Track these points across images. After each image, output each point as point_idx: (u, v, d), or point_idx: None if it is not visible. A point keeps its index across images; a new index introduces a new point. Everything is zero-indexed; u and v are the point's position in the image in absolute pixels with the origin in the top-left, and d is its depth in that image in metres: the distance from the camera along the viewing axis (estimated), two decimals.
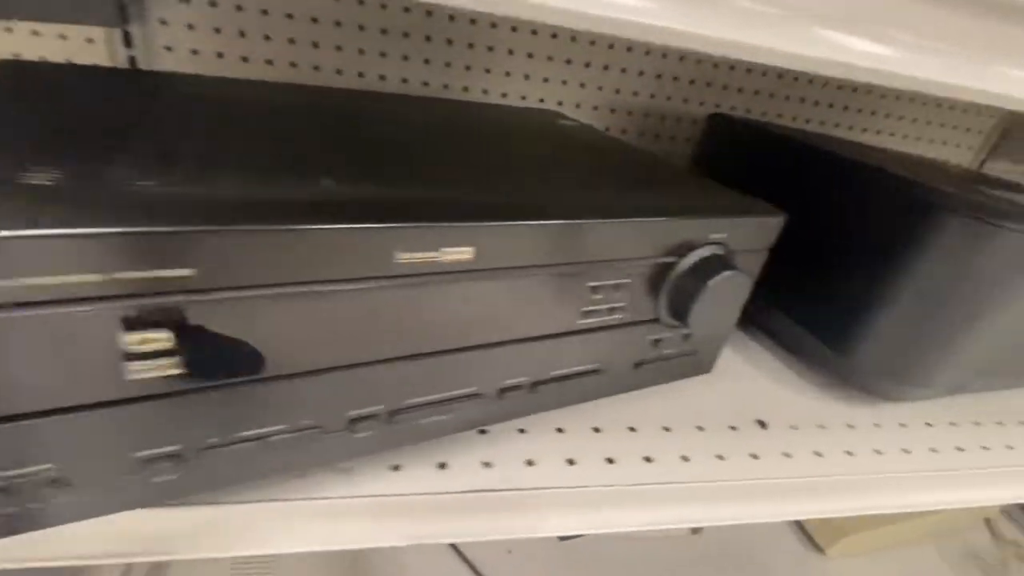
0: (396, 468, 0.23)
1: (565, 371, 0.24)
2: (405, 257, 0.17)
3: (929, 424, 0.36)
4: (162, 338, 0.15)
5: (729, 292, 0.23)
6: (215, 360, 0.16)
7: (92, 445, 0.16)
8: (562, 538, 0.52)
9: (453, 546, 0.53)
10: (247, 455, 0.18)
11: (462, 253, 0.18)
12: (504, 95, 0.51)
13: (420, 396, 0.21)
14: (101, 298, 0.14)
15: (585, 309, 0.22)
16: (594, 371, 0.25)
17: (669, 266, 0.23)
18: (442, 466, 0.24)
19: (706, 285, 0.22)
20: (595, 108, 0.54)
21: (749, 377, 0.35)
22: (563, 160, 0.30)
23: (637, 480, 0.25)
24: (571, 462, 0.26)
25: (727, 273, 0.22)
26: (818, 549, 0.61)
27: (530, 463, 0.25)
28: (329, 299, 0.16)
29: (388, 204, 0.17)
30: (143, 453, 0.16)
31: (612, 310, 0.23)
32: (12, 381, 0.14)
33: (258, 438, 0.18)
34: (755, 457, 0.29)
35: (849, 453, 0.32)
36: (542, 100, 0.52)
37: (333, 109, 0.31)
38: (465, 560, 0.53)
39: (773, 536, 0.62)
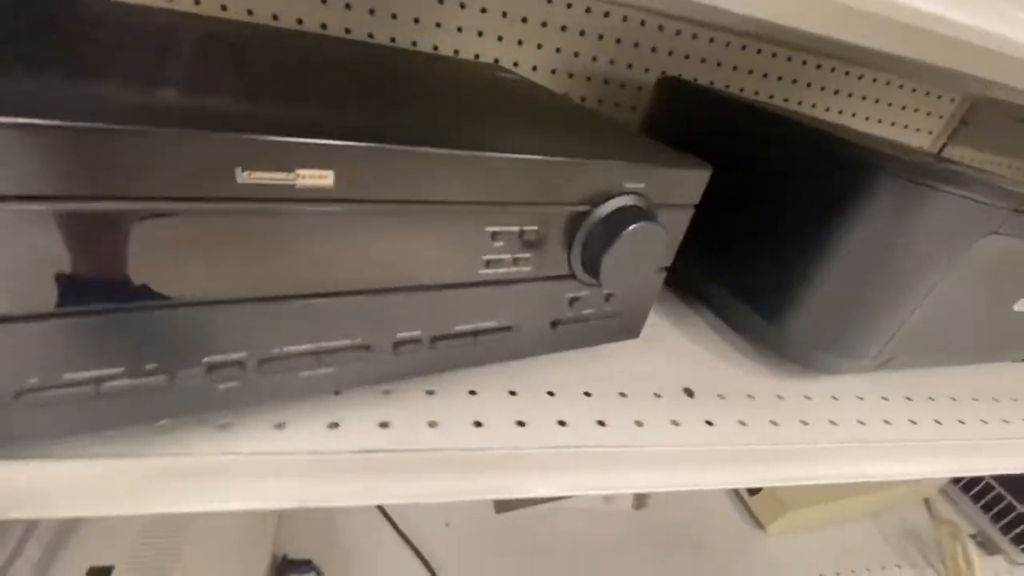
0: (280, 426, 0.22)
1: (470, 327, 0.22)
2: (250, 176, 0.15)
3: (860, 397, 0.36)
4: None
5: (645, 246, 0.22)
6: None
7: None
8: (498, 510, 0.51)
9: (390, 519, 0.52)
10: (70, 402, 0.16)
11: (321, 177, 0.16)
12: (456, 52, 0.48)
13: (293, 345, 0.19)
14: None
15: (486, 258, 0.20)
16: (505, 328, 0.23)
17: (582, 215, 0.21)
18: (334, 425, 0.22)
19: (619, 235, 0.20)
20: (553, 72, 0.52)
21: (681, 346, 0.34)
22: (483, 103, 0.28)
23: (550, 444, 0.24)
24: (478, 424, 0.24)
25: (641, 224, 0.20)
26: (759, 525, 0.62)
27: (432, 424, 0.24)
28: (167, 221, 0.14)
29: (242, 116, 0.15)
30: None
31: (518, 260, 0.21)
32: None
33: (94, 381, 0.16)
34: (676, 424, 0.28)
35: (774, 423, 0.31)
36: (496, 60, 0.49)
37: (255, 44, 0.28)
38: (400, 532, 0.51)
39: (715, 512, 0.63)
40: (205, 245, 0.15)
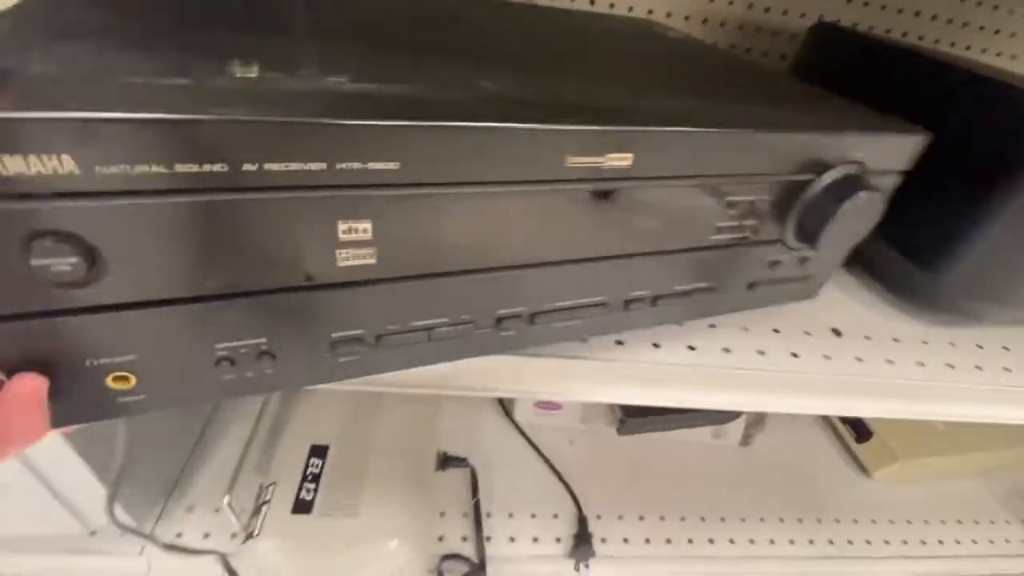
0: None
1: (685, 287, 0.26)
2: (574, 161, 0.19)
3: (1006, 348, 0.37)
4: (364, 228, 0.18)
5: (862, 215, 0.24)
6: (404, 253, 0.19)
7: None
8: (621, 430, 0.57)
9: (520, 430, 0.60)
10: (415, 343, 0.21)
11: (623, 159, 0.20)
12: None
13: (558, 301, 0.23)
14: (322, 187, 0.16)
15: (720, 224, 0.23)
16: (709, 289, 0.26)
17: (803, 184, 0.23)
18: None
19: (841, 207, 0.22)
20: (687, 18, 0.52)
21: (831, 294, 0.37)
22: (682, 71, 0.31)
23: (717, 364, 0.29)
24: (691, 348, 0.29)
25: (863, 194, 0.22)
26: (865, 472, 0.64)
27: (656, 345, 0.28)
28: (503, 200, 0.19)
29: (559, 108, 0.19)
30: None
31: (743, 227, 0.24)
32: (242, 259, 0.17)
33: (426, 329, 0.21)
34: (827, 358, 0.32)
35: (920, 364, 0.34)
36: (631, 9, 0.51)
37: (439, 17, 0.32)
38: (533, 444, 0.59)
39: (820, 456, 0.66)
40: (530, 221, 0.20)
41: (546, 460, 0.58)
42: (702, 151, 0.21)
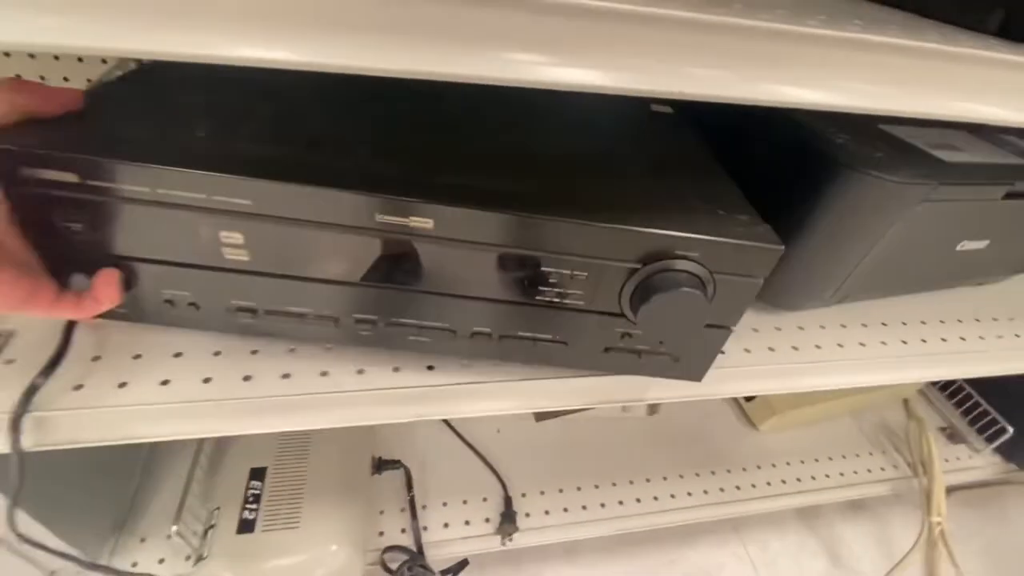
0: (396, 370, 0.33)
1: (528, 334, 0.32)
2: (382, 218, 0.25)
3: (822, 327, 0.46)
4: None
5: (681, 307, 0.28)
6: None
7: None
8: (538, 419, 0.64)
9: (452, 427, 0.66)
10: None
11: (425, 223, 0.26)
12: None
13: (408, 319, 0.30)
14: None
15: (542, 288, 0.29)
16: (559, 342, 0.32)
17: (632, 271, 0.28)
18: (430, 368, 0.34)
19: (651, 297, 0.27)
20: None
21: None
22: (600, 152, 0.35)
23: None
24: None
25: (672, 292, 0.27)
26: (752, 426, 0.74)
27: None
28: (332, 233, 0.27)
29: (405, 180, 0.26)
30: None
31: (567, 295, 0.29)
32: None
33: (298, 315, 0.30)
34: None
35: (771, 349, 0.41)
36: None
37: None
38: (460, 436, 0.66)
39: (716, 416, 0.76)
40: (365, 254, 0.27)
41: (475, 450, 0.65)
42: (502, 229, 0.27)
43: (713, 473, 0.68)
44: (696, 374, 0.34)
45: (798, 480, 0.70)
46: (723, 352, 0.40)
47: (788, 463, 0.72)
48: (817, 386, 0.43)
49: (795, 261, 0.40)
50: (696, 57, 0.19)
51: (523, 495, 0.62)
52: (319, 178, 0.25)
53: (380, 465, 0.59)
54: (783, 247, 0.28)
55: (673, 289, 0.27)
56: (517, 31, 0.17)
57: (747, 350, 0.42)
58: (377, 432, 0.62)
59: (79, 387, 0.31)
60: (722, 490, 0.66)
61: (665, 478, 0.66)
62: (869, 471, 0.74)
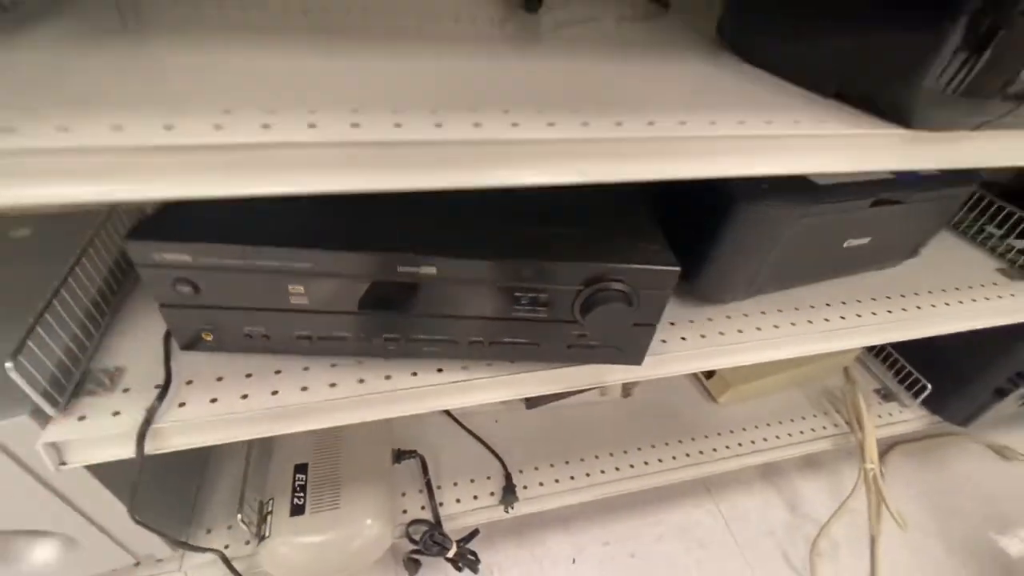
0: (414, 374, 0.44)
1: (510, 340, 0.44)
2: (401, 268, 0.36)
3: (745, 315, 0.58)
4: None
5: (614, 315, 0.40)
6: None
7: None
8: (528, 407, 0.76)
9: (455, 419, 0.78)
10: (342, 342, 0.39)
11: (430, 269, 0.37)
12: None
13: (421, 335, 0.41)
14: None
15: (515, 307, 0.41)
16: (533, 343, 0.44)
17: (579, 291, 0.40)
18: (439, 371, 0.45)
19: (592, 310, 0.39)
20: None
21: None
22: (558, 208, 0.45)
23: None
24: None
25: (603, 306, 0.39)
26: (713, 399, 0.87)
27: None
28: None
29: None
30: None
31: (536, 310, 0.41)
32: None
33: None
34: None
35: (703, 336, 0.53)
36: None
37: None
38: (464, 427, 0.77)
39: (682, 394, 0.88)
40: (397, 294, 0.39)
41: (477, 438, 0.76)
42: (484, 271, 0.38)
43: (680, 442, 0.80)
44: (636, 359, 0.47)
45: (752, 443, 0.82)
46: (664, 341, 0.53)
47: (744, 429, 0.84)
48: (739, 362, 0.55)
49: (717, 269, 0.52)
50: (587, 156, 0.31)
51: (520, 471, 0.73)
52: (356, 245, 0.36)
53: (399, 456, 0.70)
54: (679, 268, 0.40)
55: (607, 302, 0.39)
56: (479, 157, 0.29)
57: (683, 338, 0.54)
58: (394, 428, 0.73)
59: (182, 404, 0.42)
60: (688, 455, 0.79)
61: (639, 448, 0.78)
62: (813, 431, 0.86)
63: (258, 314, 0.40)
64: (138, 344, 0.46)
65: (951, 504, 0.99)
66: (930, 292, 0.67)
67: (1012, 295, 0.69)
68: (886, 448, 1.07)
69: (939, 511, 0.97)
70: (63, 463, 0.40)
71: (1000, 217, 0.74)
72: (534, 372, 0.47)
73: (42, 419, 0.39)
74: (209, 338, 0.42)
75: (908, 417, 0.90)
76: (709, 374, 0.87)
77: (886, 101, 0.39)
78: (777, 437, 0.84)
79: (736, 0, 0.50)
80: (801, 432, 0.86)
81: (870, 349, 1.00)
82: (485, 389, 0.48)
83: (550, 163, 0.31)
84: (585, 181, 0.32)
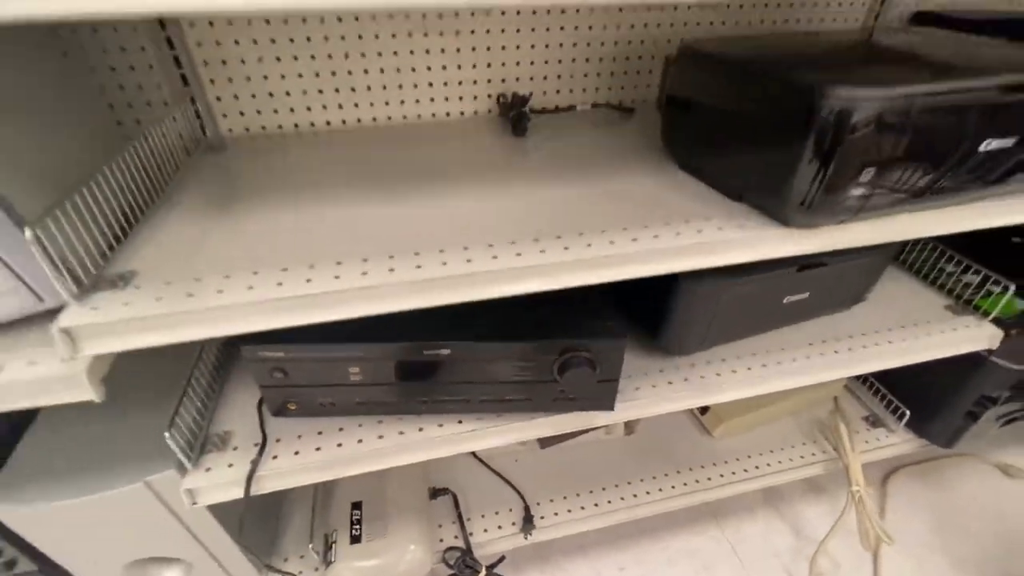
0: (440, 425, 0.59)
1: (511, 398, 0.59)
2: (427, 352, 0.52)
3: (708, 362, 0.71)
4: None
5: (582, 375, 0.54)
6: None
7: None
8: (543, 446, 0.89)
9: (481, 459, 0.91)
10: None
11: (445, 349, 0.53)
12: None
13: (447, 397, 0.56)
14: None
15: (512, 373, 0.56)
16: (527, 399, 0.59)
17: (555, 360, 0.55)
18: (460, 422, 0.60)
19: (565, 372, 0.54)
20: None
21: None
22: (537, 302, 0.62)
23: None
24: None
25: (572, 369, 0.54)
26: (708, 433, 0.98)
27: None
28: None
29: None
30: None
31: (527, 374, 0.56)
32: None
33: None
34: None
35: (670, 383, 0.67)
36: None
37: None
38: (488, 466, 0.91)
39: (680, 429, 0.99)
40: (418, 372, 0.54)
41: (499, 475, 0.89)
42: (487, 351, 0.53)
43: (679, 472, 0.91)
44: (608, 407, 0.61)
45: (745, 471, 0.92)
46: (638, 388, 0.67)
47: (737, 459, 0.94)
48: (701, 402, 0.68)
49: (674, 330, 0.66)
50: (570, 270, 0.46)
51: (538, 504, 0.86)
52: (393, 338, 0.52)
53: (434, 493, 0.84)
54: (627, 339, 0.54)
55: (577, 366, 0.54)
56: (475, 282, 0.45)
57: (654, 385, 0.67)
58: (430, 470, 0.87)
59: (275, 457, 0.58)
60: (686, 484, 0.89)
61: (642, 480, 0.90)
62: (803, 457, 0.96)
63: (327, 389, 0.56)
64: (240, 413, 0.63)
65: (957, 522, 1.05)
66: (876, 332, 0.78)
67: (954, 329, 0.79)
68: (891, 470, 1.14)
69: (944, 529, 1.03)
70: (194, 503, 0.56)
71: (957, 257, 0.84)
72: (532, 420, 0.62)
73: (182, 471, 0.56)
74: (293, 407, 0.58)
75: (895, 441, 0.99)
76: (704, 410, 0.99)
77: (768, 208, 0.53)
78: (768, 465, 0.94)
79: (668, 120, 0.66)
80: (791, 460, 0.95)
81: (858, 378, 1.09)
82: (496, 435, 0.62)
83: (542, 278, 0.47)
84: (566, 286, 0.48)
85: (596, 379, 0.56)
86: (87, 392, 0.42)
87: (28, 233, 0.37)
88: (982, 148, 0.49)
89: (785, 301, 0.70)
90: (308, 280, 0.44)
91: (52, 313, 0.42)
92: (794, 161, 0.47)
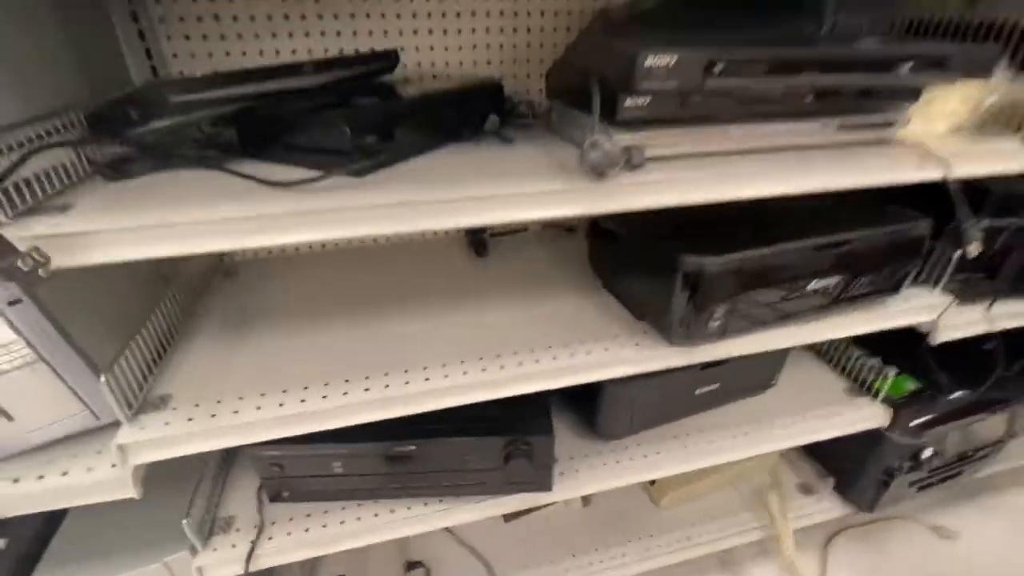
0: (409, 508, 0.72)
1: (469, 482, 0.72)
2: (395, 449, 0.66)
3: (639, 444, 0.84)
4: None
5: (521, 465, 0.69)
6: None
7: None
8: (506, 520, 1.00)
9: (454, 534, 1.02)
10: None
11: (410, 447, 0.66)
12: None
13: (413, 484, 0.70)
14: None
15: (466, 463, 0.70)
16: (482, 483, 0.73)
17: (500, 452, 0.70)
18: (425, 504, 0.73)
19: (507, 464, 0.69)
20: None
21: None
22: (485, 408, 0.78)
23: None
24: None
25: (514, 460, 0.69)
26: (655, 503, 1.09)
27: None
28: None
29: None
30: None
31: (479, 464, 0.70)
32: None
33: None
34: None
35: (604, 464, 0.80)
36: None
37: None
38: (460, 540, 1.01)
39: (632, 499, 1.11)
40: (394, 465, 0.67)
41: (470, 548, 1.00)
42: (443, 446, 0.67)
43: (630, 541, 1.02)
44: (547, 488, 0.74)
45: (688, 539, 1.03)
46: (578, 470, 0.80)
47: (681, 528, 1.05)
48: (632, 480, 0.81)
49: (604, 420, 0.80)
50: (508, 384, 0.61)
51: (505, 572, 0.96)
52: (367, 438, 0.66)
53: (409, 566, 0.95)
54: (554, 437, 0.68)
55: (518, 457, 0.68)
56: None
57: (591, 466, 0.80)
58: (407, 544, 0.98)
59: (271, 538, 0.70)
60: (637, 552, 1.00)
61: (596, 549, 1.00)
62: (743, 525, 1.07)
63: (315, 479, 0.69)
64: (242, 496, 0.75)
65: None
66: (784, 415, 0.92)
67: (851, 410, 0.94)
68: (832, 533, 1.24)
69: None
70: None
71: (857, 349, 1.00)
72: (486, 500, 0.74)
73: (193, 552, 0.67)
74: (287, 494, 0.71)
75: (826, 507, 1.10)
76: (652, 482, 1.10)
77: (660, 328, 0.69)
78: (710, 532, 1.05)
79: (592, 249, 0.83)
80: (732, 528, 1.06)
81: (793, 447, 1.22)
82: (458, 514, 0.74)
83: (486, 390, 0.62)
84: (505, 396, 0.62)
85: (534, 466, 0.69)
86: (131, 492, 0.55)
87: (103, 379, 0.51)
88: (809, 287, 0.66)
89: (697, 392, 0.85)
90: (302, 400, 0.58)
91: (103, 428, 0.56)
92: (671, 297, 0.64)
